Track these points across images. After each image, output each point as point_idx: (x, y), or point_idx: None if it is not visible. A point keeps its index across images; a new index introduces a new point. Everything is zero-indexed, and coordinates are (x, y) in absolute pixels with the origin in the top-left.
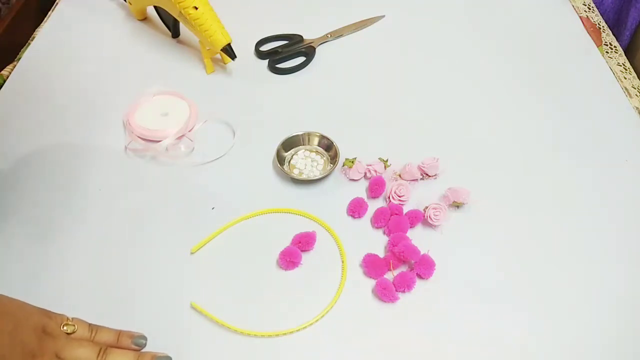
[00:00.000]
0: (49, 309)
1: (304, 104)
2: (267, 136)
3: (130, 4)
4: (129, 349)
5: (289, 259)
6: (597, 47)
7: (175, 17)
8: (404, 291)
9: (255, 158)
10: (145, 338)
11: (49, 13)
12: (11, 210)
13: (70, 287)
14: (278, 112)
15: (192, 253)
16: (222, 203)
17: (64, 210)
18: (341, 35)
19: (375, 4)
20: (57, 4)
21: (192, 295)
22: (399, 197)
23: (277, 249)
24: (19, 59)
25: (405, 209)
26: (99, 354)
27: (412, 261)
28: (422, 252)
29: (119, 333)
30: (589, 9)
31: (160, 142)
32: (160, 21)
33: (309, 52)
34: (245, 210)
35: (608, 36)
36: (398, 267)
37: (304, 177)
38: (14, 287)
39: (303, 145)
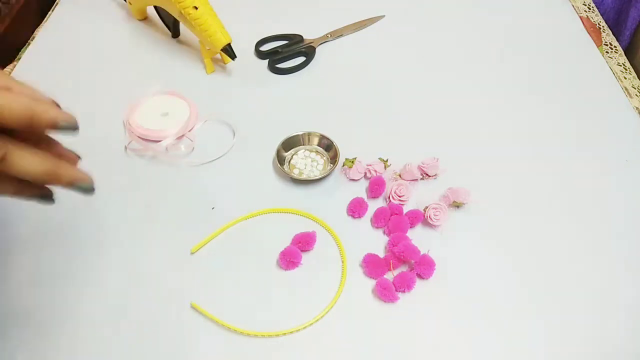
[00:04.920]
0: (48, 307)
1: (304, 104)
2: (267, 136)
3: (130, 4)
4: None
5: (289, 259)
6: (597, 47)
7: (175, 17)
8: (404, 291)
9: (255, 158)
10: (74, 123)
11: (49, 13)
12: (10, 210)
13: (69, 287)
14: (278, 112)
15: (192, 253)
16: (222, 203)
17: (63, 211)
18: (341, 35)
19: (375, 4)
20: (57, 4)
21: (192, 295)
22: (399, 197)
23: (277, 249)
24: (19, 59)
25: (405, 209)
26: None
27: (412, 261)
28: (422, 252)
29: (32, 113)
30: (589, 9)
31: (160, 142)
32: (160, 21)
33: (309, 52)
34: (245, 210)
35: (608, 36)
36: (398, 267)
37: (304, 177)
38: (14, 287)
39: (303, 145)
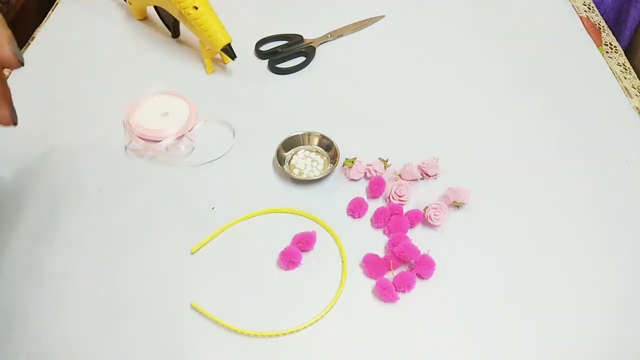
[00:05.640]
0: (47, 307)
1: (304, 104)
2: (267, 136)
3: (130, 3)
4: None
5: (289, 259)
6: (597, 47)
7: (175, 17)
8: (404, 291)
9: (255, 158)
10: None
11: (49, 13)
12: (11, 210)
13: (70, 287)
14: (278, 112)
15: (192, 253)
16: (222, 203)
17: (64, 211)
18: (341, 35)
19: (375, 4)
20: (57, 4)
21: (192, 295)
22: (399, 197)
23: (277, 249)
24: None
25: (405, 209)
26: None
27: (412, 261)
28: (422, 252)
29: None
30: (589, 9)
31: (160, 142)
32: (160, 21)
33: (309, 52)
34: (245, 210)
35: (608, 36)
36: (398, 267)
37: (304, 177)
38: (15, 286)
39: (303, 145)
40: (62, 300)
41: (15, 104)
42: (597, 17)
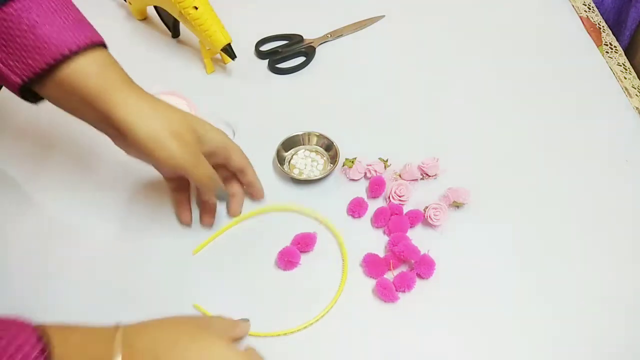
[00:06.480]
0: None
1: (304, 104)
2: (267, 136)
3: (130, 3)
4: None
5: (287, 259)
6: (597, 47)
7: (175, 17)
8: (404, 291)
9: (255, 158)
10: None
11: None
12: (12, 211)
13: (72, 289)
14: (278, 112)
15: (193, 254)
16: (222, 203)
17: (64, 212)
18: (341, 35)
19: (375, 4)
20: None
21: (195, 296)
22: (399, 197)
23: (277, 249)
24: None
25: (405, 209)
26: None
27: (412, 261)
28: (422, 252)
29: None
30: (589, 9)
31: None
32: (160, 21)
33: (309, 52)
34: (245, 211)
35: (608, 36)
36: (398, 267)
37: (304, 177)
38: (17, 289)
39: (303, 145)
40: (65, 301)
41: (15, 105)
42: (597, 17)
